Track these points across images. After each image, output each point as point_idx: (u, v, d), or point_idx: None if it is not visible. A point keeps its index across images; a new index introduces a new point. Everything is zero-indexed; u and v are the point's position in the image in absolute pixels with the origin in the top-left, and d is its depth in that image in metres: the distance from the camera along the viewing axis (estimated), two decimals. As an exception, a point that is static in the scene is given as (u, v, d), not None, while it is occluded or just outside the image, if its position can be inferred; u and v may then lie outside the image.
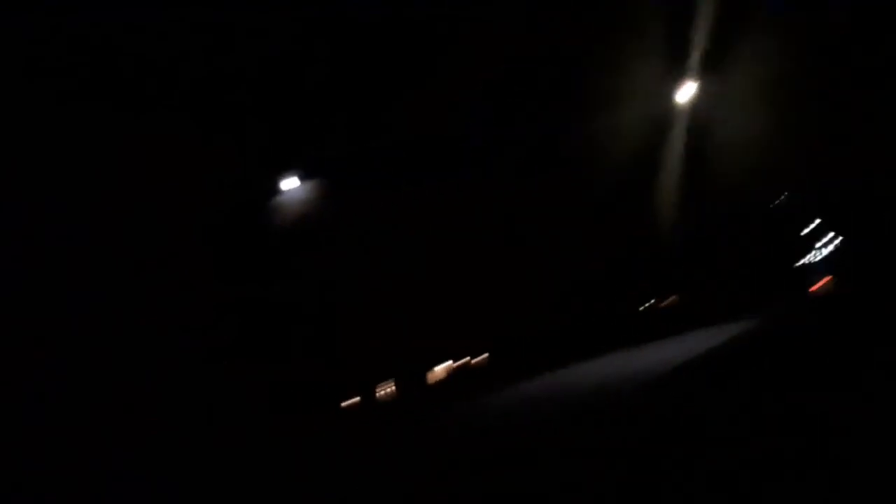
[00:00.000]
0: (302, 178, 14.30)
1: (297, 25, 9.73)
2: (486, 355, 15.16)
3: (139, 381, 6.23)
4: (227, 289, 10.84)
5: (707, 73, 15.39)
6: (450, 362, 14.46)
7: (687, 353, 11.95)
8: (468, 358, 14.78)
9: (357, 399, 12.84)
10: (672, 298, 26.17)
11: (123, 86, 7.01)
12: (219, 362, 8.43)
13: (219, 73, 9.24)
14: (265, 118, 11.67)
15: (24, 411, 5.30)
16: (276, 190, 14.37)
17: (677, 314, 24.51)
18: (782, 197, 27.95)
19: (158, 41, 7.48)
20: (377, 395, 13.68)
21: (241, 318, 12.78)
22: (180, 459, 5.98)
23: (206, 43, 8.40)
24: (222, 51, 8.85)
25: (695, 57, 14.63)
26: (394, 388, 13.83)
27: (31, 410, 5.34)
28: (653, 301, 25.21)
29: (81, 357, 5.82)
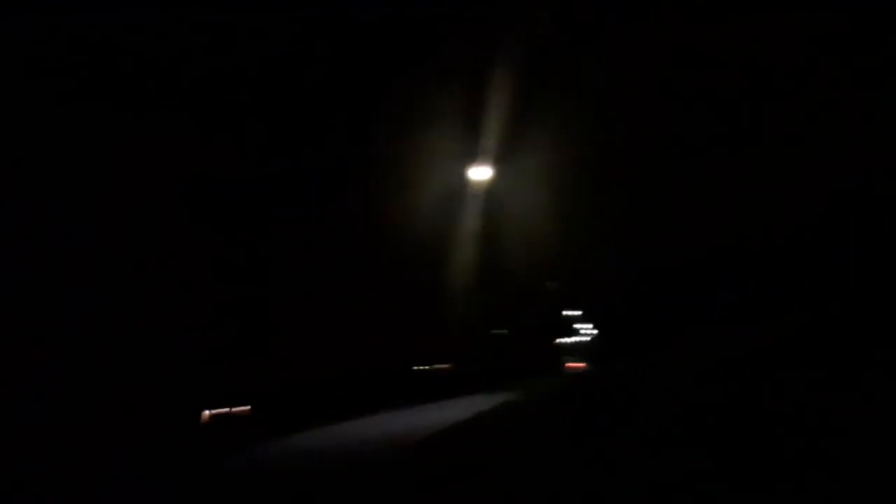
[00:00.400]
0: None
1: (297, 25, 9.72)
2: (248, 406, 13.62)
3: (139, 381, 6.23)
4: (227, 289, 10.83)
5: (496, 157, 16.27)
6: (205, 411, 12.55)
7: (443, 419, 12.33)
8: (227, 407, 13.01)
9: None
10: (446, 366, 26.92)
11: (123, 86, 7.02)
12: (219, 362, 8.43)
13: (219, 73, 9.24)
14: (265, 118, 11.67)
15: (24, 411, 5.30)
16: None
17: (449, 380, 25.22)
18: (553, 282, 29.91)
19: (158, 41, 7.48)
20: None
21: (241, 318, 12.75)
22: (180, 459, 5.98)
23: (206, 43, 8.40)
24: (222, 51, 8.85)
25: (486, 141, 15.41)
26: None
27: (31, 410, 5.34)
28: (426, 366, 25.65)
29: (81, 357, 5.82)
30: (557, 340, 43.20)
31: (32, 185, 5.93)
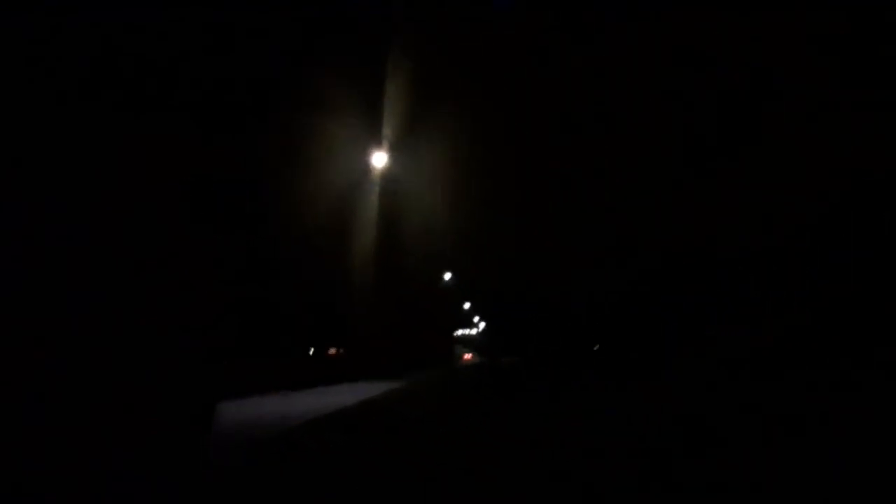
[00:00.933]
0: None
1: (297, 25, 9.70)
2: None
3: (139, 381, 6.22)
4: (227, 289, 10.81)
5: (396, 146, 16.20)
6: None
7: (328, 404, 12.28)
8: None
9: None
10: (336, 350, 26.59)
11: (123, 86, 7.01)
12: (219, 362, 8.42)
13: (219, 73, 9.23)
14: (264, 118, 11.66)
15: (24, 411, 5.30)
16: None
17: (339, 365, 24.97)
18: (448, 277, 30.34)
19: (158, 41, 7.48)
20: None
21: (241, 317, 12.72)
22: (180, 459, 5.98)
23: (206, 43, 8.40)
24: (222, 51, 8.85)
25: (386, 130, 15.41)
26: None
27: (31, 410, 5.34)
28: (317, 349, 25.32)
29: (81, 357, 5.81)
30: (456, 332, 43.78)
31: (32, 185, 5.92)
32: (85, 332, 5.92)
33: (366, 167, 17.89)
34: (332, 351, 26.31)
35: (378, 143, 16.61)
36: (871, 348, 7.38)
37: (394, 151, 17.17)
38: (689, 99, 11.84)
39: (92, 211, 6.34)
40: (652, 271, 14.23)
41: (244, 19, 9.01)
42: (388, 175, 18.50)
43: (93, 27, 6.56)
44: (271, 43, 10.19)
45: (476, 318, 45.74)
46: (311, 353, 24.33)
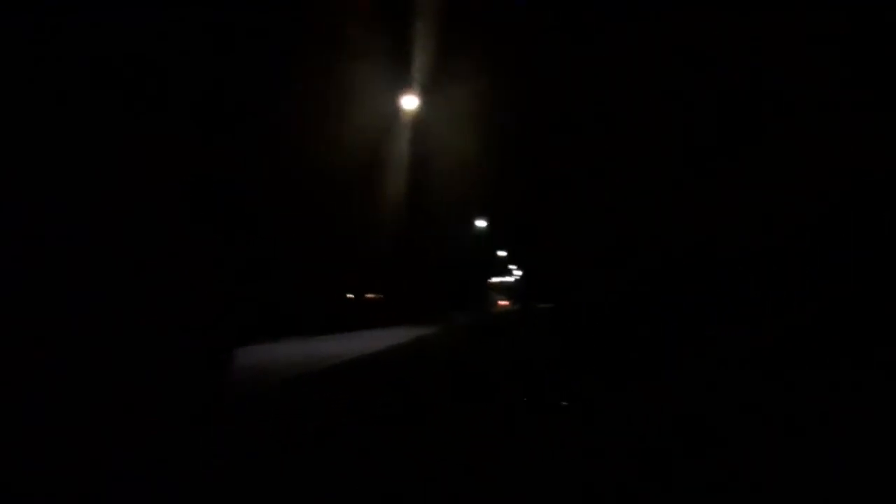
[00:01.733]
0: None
1: (297, 25, 9.69)
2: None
3: (139, 381, 6.22)
4: (228, 289, 10.81)
5: (427, 88, 15.99)
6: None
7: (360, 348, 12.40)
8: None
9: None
10: (376, 295, 27.21)
11: (123, 86, 7.01)
12: (219, 362, 8.43)
13: (219, 73, 9.23)
14: (264, 117, 11.65)
15: (24, 411, 5.30)
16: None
17: (376, 310, 25.59)
18: (484, 223, 30.76)
19: (158, 41, 7.48)
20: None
21: (240, 318, 12.71)
22: (180, 459, 5.98)
23: (206, 43, 8.40)
24: (222, 51, 8.86)
25: (416, 70, 15.30)
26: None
27: (32, 410, 5.34)
28: (356, 294, 25.88)
29: (81, 357, 5.82)
30: (491, 279, 44.86)
31: (32, 185, 5.92)
32: (85, 332, 5.92)
33: (395, 111, 17.68)
34: (370, 296, 27.06)
35: (407, 86, 16.42)
36: (871, 348, 7.38)
37: (424, 94, 16.96)
38: (689, 99, 11.82)
39: (92, 211, 6.35)
40: (652, 271, 14.22)
41: (244, 19, 9.01)
42: (418, 119, 18.28)
43: (93, 27, 6.56)
44: (271, 41, 10.16)
45: (513, 267, 46.99)
46: (348, 297, 24.97)
